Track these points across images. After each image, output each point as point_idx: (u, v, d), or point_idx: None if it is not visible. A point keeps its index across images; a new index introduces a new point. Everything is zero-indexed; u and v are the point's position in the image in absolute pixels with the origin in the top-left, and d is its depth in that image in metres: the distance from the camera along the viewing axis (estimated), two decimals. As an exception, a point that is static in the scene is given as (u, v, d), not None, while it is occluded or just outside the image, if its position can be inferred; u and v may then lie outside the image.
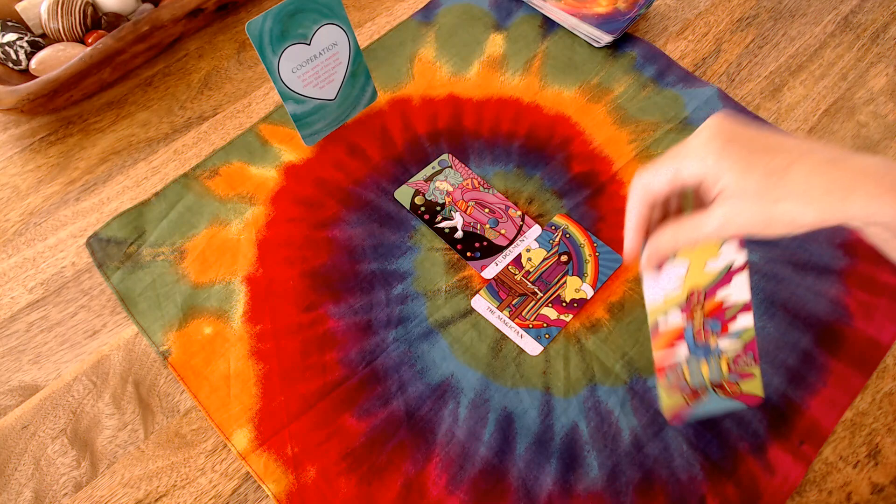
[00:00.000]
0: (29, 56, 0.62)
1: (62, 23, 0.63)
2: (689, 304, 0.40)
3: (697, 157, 0.33)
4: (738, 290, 0.40)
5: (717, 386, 0.41)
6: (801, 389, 0.47)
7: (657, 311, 0.41)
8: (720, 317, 0.40)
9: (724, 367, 0.41)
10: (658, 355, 0.42)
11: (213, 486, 0.45)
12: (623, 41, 0.65)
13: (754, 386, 0.42)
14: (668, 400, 0.42)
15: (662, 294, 0.40)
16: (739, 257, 0.39)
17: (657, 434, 0.45)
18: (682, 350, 0.41)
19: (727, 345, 0.41)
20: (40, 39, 0.64)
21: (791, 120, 0.60)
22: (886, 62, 0.64)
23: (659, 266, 0.39)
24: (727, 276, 0.39)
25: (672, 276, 0.40)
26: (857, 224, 0.31)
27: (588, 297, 0.51)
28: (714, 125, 0.34)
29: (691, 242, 0.36)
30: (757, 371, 0.41)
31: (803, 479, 0.44)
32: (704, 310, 0.40)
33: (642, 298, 0.50)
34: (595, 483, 0.43)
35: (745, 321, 0.40)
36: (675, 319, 0.40)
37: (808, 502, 0.43)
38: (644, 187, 0.36)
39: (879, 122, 0.60)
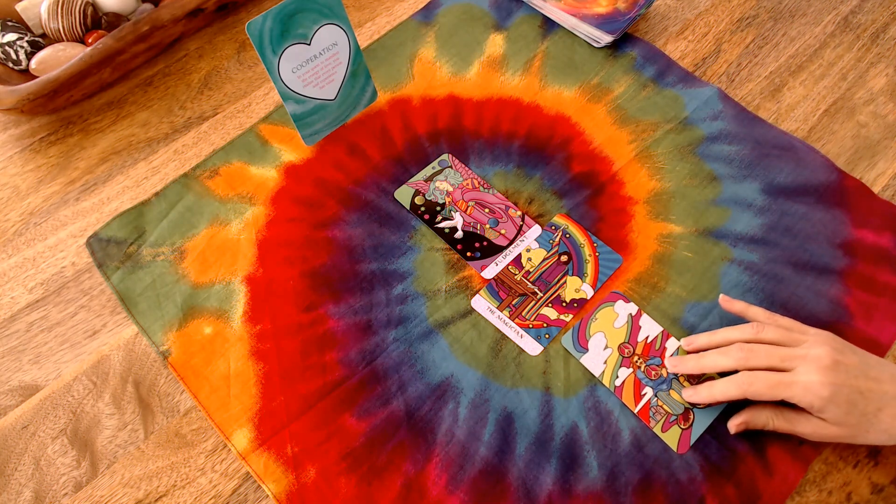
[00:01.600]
0: (29, 56, 0.62)
1: (62, 23, 0.63)
2: (625, 358, 0.48)
3: (812, 394, 0.40)
4: (650, 327, 0.49)
5: (695, 402, 0.46)
6: (800, 389, 0.47)
7: (607, 375, 0.47)
8: (654, 352, 0.48)
9: (688, 385, 0.47)
10: (635, 408, 0.46)
11: (213, 486, 0.45)
12: (623, 41, 0.65)
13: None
14: (671, 437, 0.45)
15: (602, 362, 0.48)
16: (631, 306, 0.50)
17: (657, 434, 0.45)
18: (649, 392, 0.47)
19: None
20: (40, 39, 0.64)
21: (791, 120, 0.60)
22: (886, 62, 0.64)
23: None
24: (633, 324, 0.49)
25: (600, 347, 0.48)
26: None
27: (588, 298, 0.51)
28: (827, 361, 0.40)
29: (777, 425, 0.43)
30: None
31: (803, 479, 0.44)
32: (639, 354, 0.48)
33: (642, 299, 0.51)
34: (595, 483, 0.43)
35: (673, 343, 0.48)
36: (625, 373, 0.47)
37: (808, 502, 0.43)
38: (750, 376, 0.42)
39: (879, 122, 0.60)
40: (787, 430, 0.43)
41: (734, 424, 0.44)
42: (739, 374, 0.43)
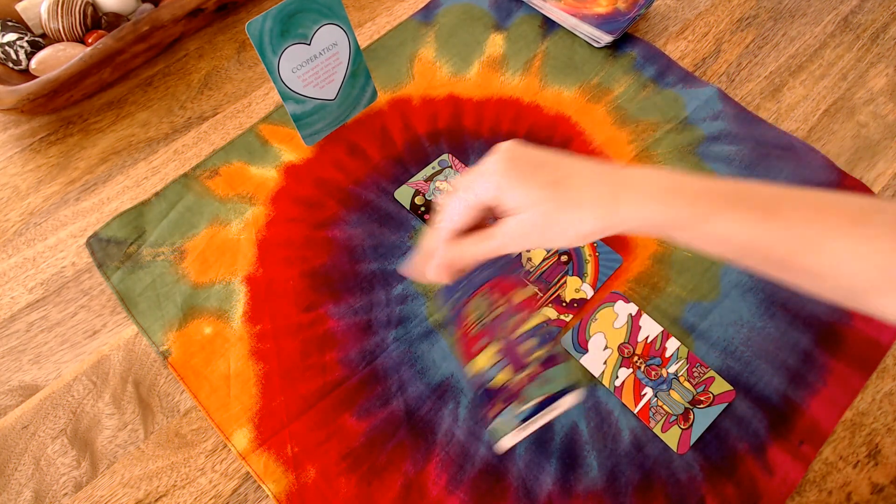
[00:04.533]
0: (29, 56, 0.62)
1: (62, 23, 0.63)
2: (625, 358, 0.48)
3: (485, 178, 0.34)
4: (650, 327, 0.49)
5: (695, 402, 0.46)
6: (801, 389, 0.47)
7: (607, 375, 0.47)
8: (654, 353, 0.48)
9: (688, 385, 0.47)
10: (635, 408, 0.46)
11: (213, 486, 0.45)
12: (623, 41, 0.65)
13: (720, 384, 0.47)
14: (671, 437, 0.45)
15: (602, 363, 0.48)
16: (631, 307, 0.50)
17: (657, 434, 0.45)
18: (649, 392, 0.47)
19: (675, 368, 0.48)
20: (40, 39, 0.64)
21: (791, 120, 0.60)
22: (886, 62, 0.64)
23: (449, 275, 0.37)
24: (633, 324, 0.49)
25: (599, 347, 0.48)
26: (634, 228, 0.33)
27: (588, 297, 0.51)
28: (500, 150, 0.34)
29: (478, 255, 0.36)
30: (712, 372, 0.47)
31: (803, 479, 0.44)
32: (638, 355, 0.48)
33: (642, 299, 0.51)
34: (595, 483, 0.43)
35: (673, 343, 0.48)
36: (625, 373, 0.47)
37: (808, 502, 0.43)
38: (448, 219, 0.36)
39: (879, 122, 0.60)
40: (481, 250, 0.35)
41: (432, 270, 0.37)
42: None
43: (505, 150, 0.34)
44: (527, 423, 0.38)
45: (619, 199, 0.32)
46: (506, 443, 0.39)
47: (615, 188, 0.33)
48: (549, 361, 0.39)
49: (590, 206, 0.33)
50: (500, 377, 0.39)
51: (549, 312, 0.50)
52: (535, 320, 0.40)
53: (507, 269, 0.40)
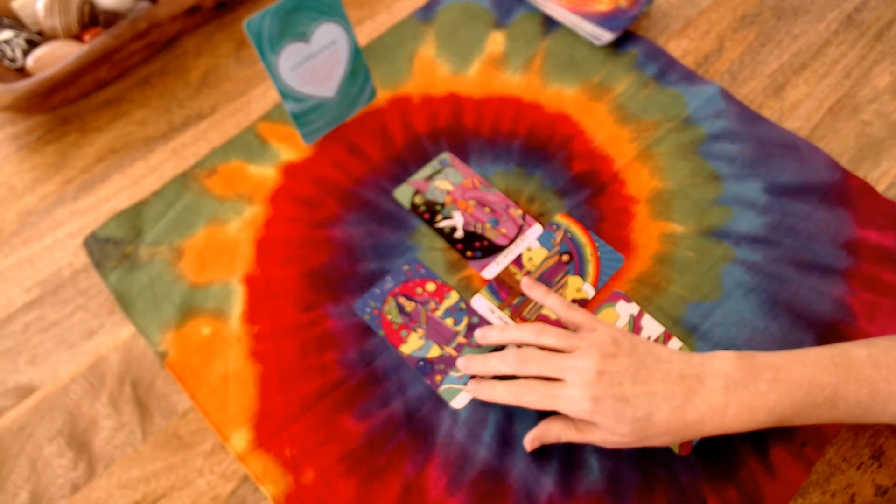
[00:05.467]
0: (25, 54, 0.62)
1: (59, 20, 0.62)
2: None
3: (577, 407, 0.39)
4: (651, 327, 0.49)
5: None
6: (804, 390, 0.46)
7: None
8: None
9: None
10: None
11: (211, 487, 0.44)
12: (624, 39, 0.65)
13: None
14: None
15: None
16: (633, 307, 0.50)
17: (659, 435, 0.45)
18: None
19: None
20: (37, 37, 0.63)
21: (794, 118, 0.60)
22: (890, 60, 0.63)
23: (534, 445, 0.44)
24: (635, 324, 0.49)
25: None
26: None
27: (589, 298, 0.50)
28: (590, 369, 0.39)
29: (570, 437, 0.42)
30: None
31: (806, 481, 0.43)
32: None
33: (644, 299, 0.50)
34: (596, 485, 0.43)
35: (675, 344, 0.48)
36: None
37: (811, 504, 0.43)
38: (523, 386, 0.42)
39: (883, 120, 0.59)
40: (581, 440, 0.41)
41: (528, 442, 0.43)
42: (515, 381, 0.42)
43: (596, 379, 0.39)
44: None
45: (698, 428, 0.38)
46: (460, 401, 0.46)
47: (694, 421, 0.38)
48: (471, 331, 0.48)
49: (673, 434, 0.38)
50: (433, 352, 0.47)
51: (550, 313, 0.50)
52: (447, 303, 0.49)
53: (408, 277, 0.50)
